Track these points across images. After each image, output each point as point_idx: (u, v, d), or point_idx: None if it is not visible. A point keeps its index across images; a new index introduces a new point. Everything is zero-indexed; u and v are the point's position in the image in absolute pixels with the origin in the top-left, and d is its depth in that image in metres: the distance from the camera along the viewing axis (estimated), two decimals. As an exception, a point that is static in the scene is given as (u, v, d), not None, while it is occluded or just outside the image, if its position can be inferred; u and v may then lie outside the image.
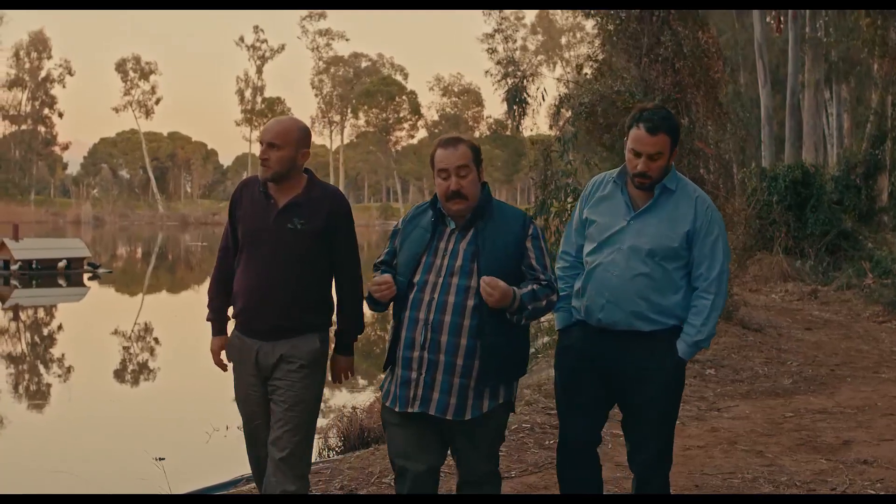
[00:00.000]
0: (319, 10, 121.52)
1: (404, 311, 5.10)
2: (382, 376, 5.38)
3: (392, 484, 5.84)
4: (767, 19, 36.95)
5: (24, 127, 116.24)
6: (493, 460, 5.29)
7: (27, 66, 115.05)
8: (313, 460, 6.68)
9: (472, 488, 5.25)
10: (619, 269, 5.24)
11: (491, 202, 5.21)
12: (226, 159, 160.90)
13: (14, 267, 34.38)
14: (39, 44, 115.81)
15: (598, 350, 5.33)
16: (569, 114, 16.76)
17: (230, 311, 5.86)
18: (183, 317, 25.61)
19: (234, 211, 5.78)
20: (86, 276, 35.66)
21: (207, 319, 5.89)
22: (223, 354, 5.86)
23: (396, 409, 5.09)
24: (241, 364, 5.72)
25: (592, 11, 17.05)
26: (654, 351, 5.25)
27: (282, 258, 5.56)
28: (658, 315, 5.24)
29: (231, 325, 5.89)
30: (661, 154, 5.18)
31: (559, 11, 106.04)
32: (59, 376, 16.75)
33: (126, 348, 19.99)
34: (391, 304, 5.23)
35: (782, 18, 36.18)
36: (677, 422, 9.08)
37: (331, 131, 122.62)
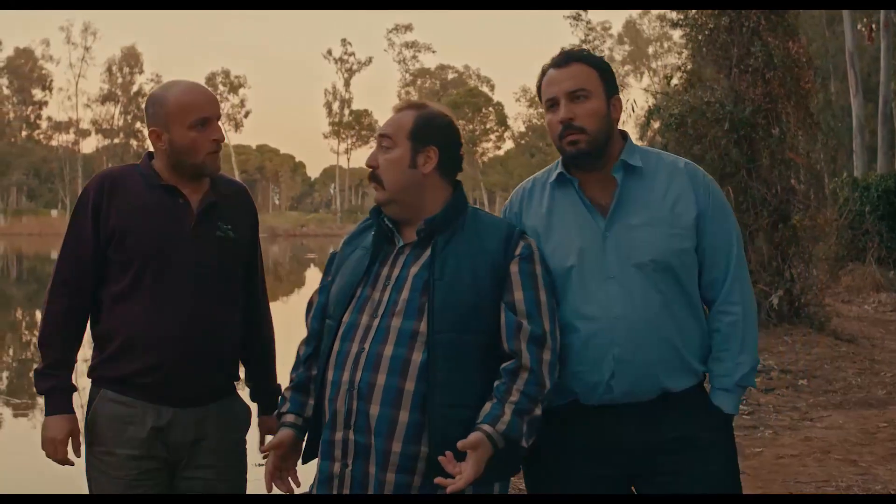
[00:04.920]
0: (406, 23, 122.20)
1: (327, 371, 3.50)
2: None
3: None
4: (858, 27, 36.58)
5: (116, 140, 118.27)
6: None
7: (119, 80, 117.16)
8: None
9: None
10: (622, 308, 3.45)
11: (462, 210, 3.56)
12: (313, 171, 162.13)
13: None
14: (131, 59, 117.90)
15: (607, 439, 3.53)
16: (657, 125, 16.77)
17: (105, 368, 3.92)
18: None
19: (105, 218, 3.86)
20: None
21: (42, 391, 3.88)
22: (70, 443, 3.88)
23: None
24: (121, 444, 3.84)
25: (681, 21, 17.05)
26: (690, 415, 3.54)
27: (210, 282, 3.92)
28: (694, 360, 3.55)
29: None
30: (584, 91, 3.53)
31: (646, 21, 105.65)
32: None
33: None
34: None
35: (874, 27, 35.78)
36: (769, 431, 9.19)
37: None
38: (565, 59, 3.61)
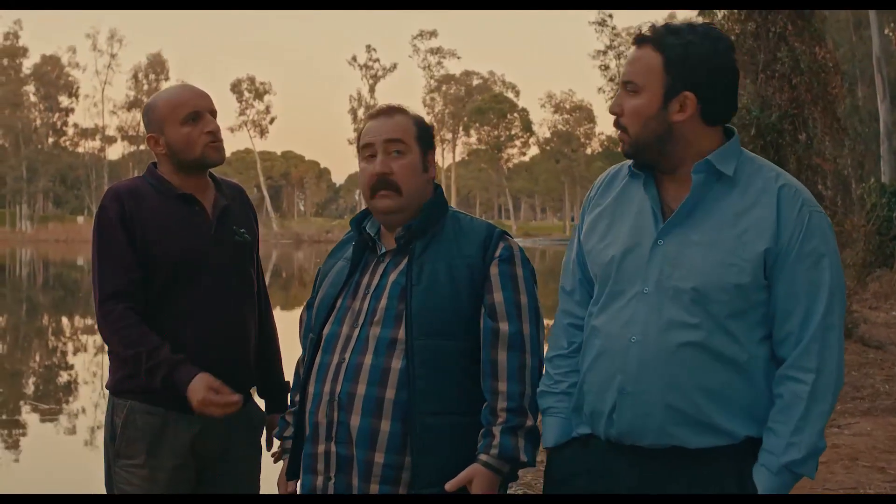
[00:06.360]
0: (431, 29, 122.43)
1: (308, 384, 3.44)
2: None
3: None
4: (886, 31, 36.43)
5: (142, 147, 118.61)
6: None
7: (145, 87, 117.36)
8: None
9: None
10: (642, 332, 2.97)
11: (443, 213, 3.47)
12: (338, 178, 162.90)
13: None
14: (157, 66, 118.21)
15: (616, 483, 3.05)
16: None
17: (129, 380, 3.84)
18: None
19: (132, 228, 3.82)
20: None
21: (163, 381, 3.71)
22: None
23: None
24: (157, 456, 3.80)
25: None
26: (712, 483, 2.96)
27: (232, 287, 3.94)
28: (726, 418, 2.95)
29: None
30: (634, 85, 3.02)
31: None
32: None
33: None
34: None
35: (901, 31, 35.65)
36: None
37: (442, 149, 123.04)
38: (640, 40, 3.07)
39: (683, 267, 2.94)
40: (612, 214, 3.17)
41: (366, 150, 3.43)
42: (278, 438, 3.71)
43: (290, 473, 3.52)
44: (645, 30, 3.08)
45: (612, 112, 3.09)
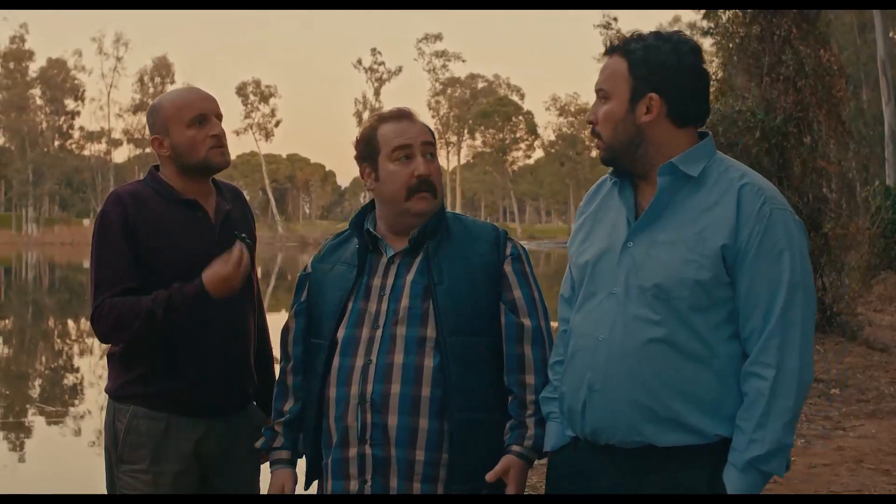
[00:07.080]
0: (436, 32, 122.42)
1: (326, 389, 3.41)
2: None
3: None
4: (890, 34, 36.40)
5: (147, 150, 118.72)
6: None
7: (151, 90, 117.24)
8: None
9: None
10: (609, 330, 3.03)
11: (444, 214, 3.52)
12: (344, 180, 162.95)
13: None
14: (163, 69, 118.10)
15: (594, 483, 3.10)
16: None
17: (139, 385, 3.81)
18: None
19: (135, 234, 3.75)
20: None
21: (188, 299, 3.67)
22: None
23: None
24: (161, 461, 3.77)
25: (712, 30, 17.01)
26: (683, 482, 2.96)
27: (237, 291, 3.79)
28: (688, 414, 2.96)
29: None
30: (605, 91, 3.12)
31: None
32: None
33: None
34: (292, 379, 3.63)
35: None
36: (801, 441, 9.13)
37: (447, 152, 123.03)
38: (610, 50, 3.15)
39: (647, 266, 3.00)
40: (593, 220, 3.27)
41: (400, 151, 3.41)
42: (264, 450, 3.68)
43: (310, 480, 3.54)
44: (614, 40, 3.15)
45: (587, 121, 3.17)
